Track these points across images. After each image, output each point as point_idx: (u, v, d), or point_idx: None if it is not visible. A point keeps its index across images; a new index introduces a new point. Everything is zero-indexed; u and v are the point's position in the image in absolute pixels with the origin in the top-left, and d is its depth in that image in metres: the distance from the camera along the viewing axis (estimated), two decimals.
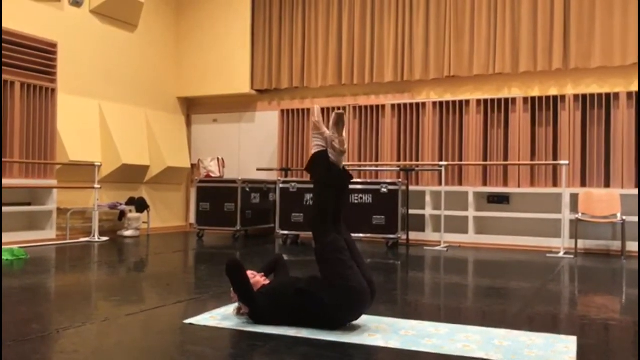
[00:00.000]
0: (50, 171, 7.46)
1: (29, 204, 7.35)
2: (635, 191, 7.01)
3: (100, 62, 8.46)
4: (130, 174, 8.57)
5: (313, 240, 3.07)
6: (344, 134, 3.06)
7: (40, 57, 7.37)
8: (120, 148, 8.23)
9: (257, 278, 3.19)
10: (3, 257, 5.53)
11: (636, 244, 6.88)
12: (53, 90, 7.50)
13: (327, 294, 2.91)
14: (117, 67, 8.74)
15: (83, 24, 8.19)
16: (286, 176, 8.76)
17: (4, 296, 3.76)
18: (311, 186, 7.63)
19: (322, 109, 8.91)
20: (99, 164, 7.75)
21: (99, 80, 8.44)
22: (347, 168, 8.33)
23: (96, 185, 7.63)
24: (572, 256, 6.69)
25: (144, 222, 8.57)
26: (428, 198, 8.05)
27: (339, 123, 3.02)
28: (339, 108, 8.79)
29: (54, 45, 7.55)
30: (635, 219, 6.91)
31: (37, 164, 7.22)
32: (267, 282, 3.22)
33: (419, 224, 8.04)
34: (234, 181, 8.31)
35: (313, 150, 3.12)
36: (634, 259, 6.53)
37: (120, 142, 8.29)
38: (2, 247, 6.03)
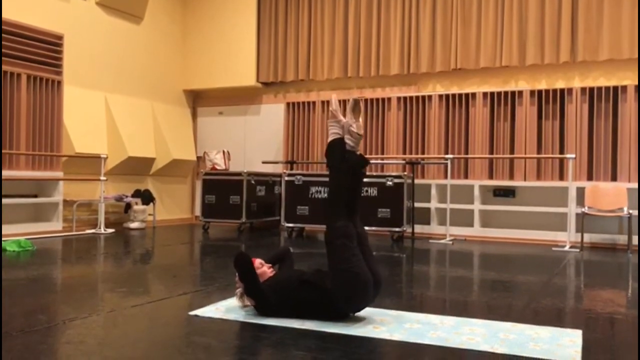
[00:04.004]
0: (57, 163, 7.48)
1: (35, 196, 7.38)
2: None
3: (107, 54, 8.46)
4: (136, 166, 8.59)
5: (325, 225, 3.06)
6: (360, 120, 3.09)
7: (46, 50, 7.38)
8: (126, 140, 8.24)
9: (264, 268, 3.19)
10: (10, 249, 5.56)
11: None
12: (59, 82, 7.51)
13: (330, 278, 2.93)
14: (123, 59, 8.75)
15: (89, 16, 8.19)
16: (291, 169, 8.76)
17: (11, 287, 3.78)
18: (316, 179, 7.65)
19: (328, 102, 8.89)
20: (105, 156, 7.77)
21: (105, 72, 8.44)
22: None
23: (102, 178, 7.65)
24: (578, 250, 6.67)
25: (149, 215, 8.59)
26: (434, 191, 8.03)
27: (355, 108, 3.07)
28: (345, 101, 8.76)
29: (60, 38, 7.56)
30: None
31: (44, 155, 7.24)
32: (273, 273, 3.23)
33: (424, 217, 8.03)
34: (239, 174, 8.31)
35: (330, 139, 3.13)
36: None
37: (126, 135, 8.30)
38: (9, 238, 6.06)
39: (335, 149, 3.10)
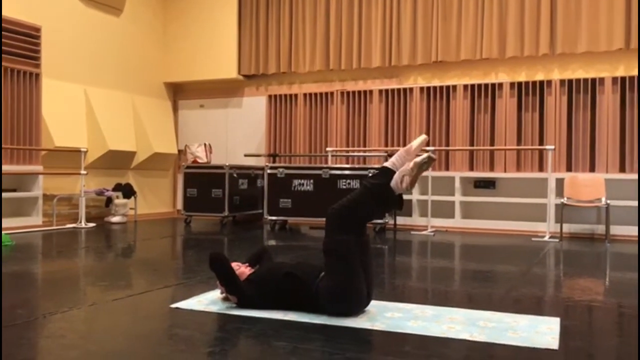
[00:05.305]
0: (36, 157, 7.39)
1: (14, 190, 7.29)
2: (620, 176, 7.09)
3: (86, 46, 8.37)
4: (116, 160, 8.52)
5: (325, 229, 2.99)
6: (417, 178, 2.99)
7: (23, 42, 7.27)
8: (106, 134, 8.17)
9: (242, 269, 3.18)
10: None
11: (620, 227, 7.01)
12: (37, 75, 7.41)
13: (325, 289, 2.90)
14: (103, 52, 8.65)
15: (67, 7, 8.08)
16: (274, 162, 8.75)
17: None
18: (299, 172, 7.65)
19: (310, 94, 8.90)
20: (85, 149, 7.70)
21: (84, 65, 8.35)
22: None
23: (82, 171, 7.58)
24: (557, 240, 6.77)
25: (131, 208, 8.53)
26: None
27: (423, 166, 2.92)
28: (327, 93, 8.78)
29: (38, 30, 7.45)
30: (619, 203, 6.99)
31: (22, 149, 7.16)
32: (252, 271, 3.22)
33: (406, 209, 8.07)
34: (221, 167, 8.28)
35: (387, 164, 3.06)
36: (617, 243, 6.62)
37: (107, 128, 8.23)
38: None
39: (384, 176, 3.01)
